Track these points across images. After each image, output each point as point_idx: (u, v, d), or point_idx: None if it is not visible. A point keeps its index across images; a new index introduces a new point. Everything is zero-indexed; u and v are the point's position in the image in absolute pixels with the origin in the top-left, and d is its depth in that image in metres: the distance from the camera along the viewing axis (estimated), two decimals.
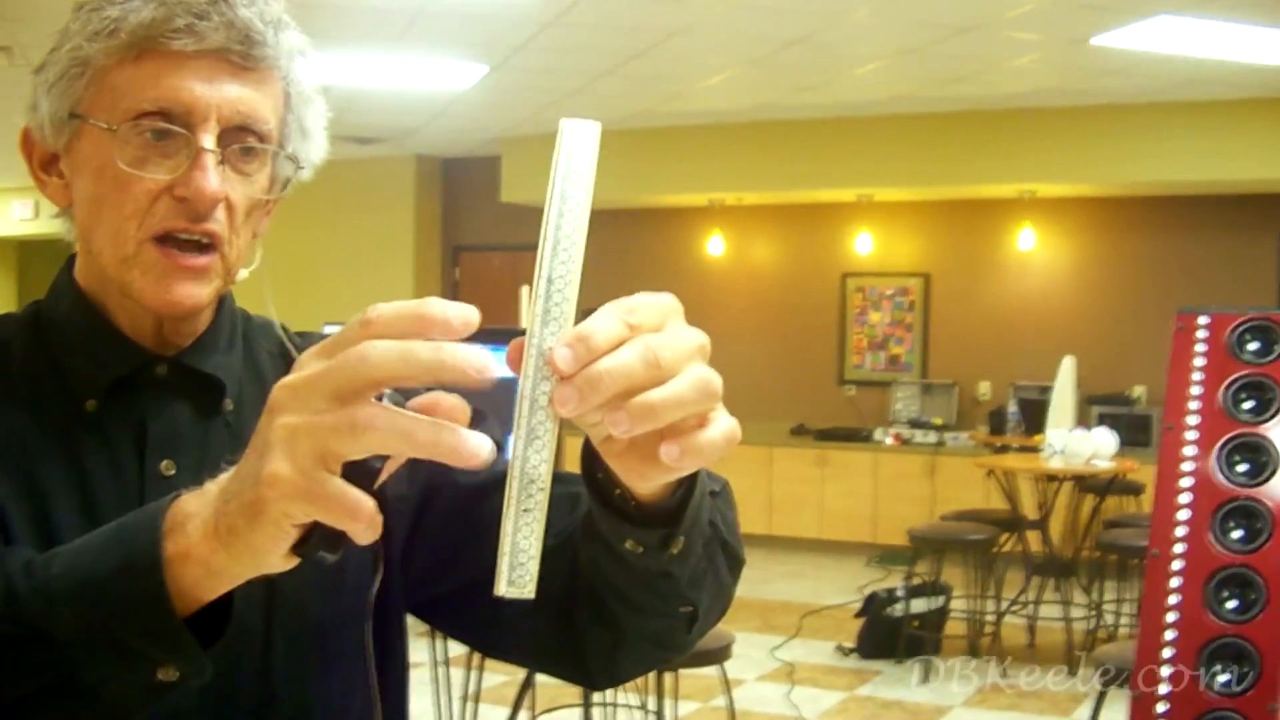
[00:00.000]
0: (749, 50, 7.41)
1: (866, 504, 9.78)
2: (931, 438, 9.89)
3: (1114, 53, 7.07)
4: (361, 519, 0.79)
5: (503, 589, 0.78)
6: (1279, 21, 6.27)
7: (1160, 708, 1.84)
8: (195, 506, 0.85)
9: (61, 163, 1.16)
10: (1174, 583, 1.89)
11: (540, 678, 4.21)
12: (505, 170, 10.64)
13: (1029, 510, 7.59)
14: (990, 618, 7.05)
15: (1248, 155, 8.41)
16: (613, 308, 0.80)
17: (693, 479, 0.94)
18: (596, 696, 4.26)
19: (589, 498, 0.97)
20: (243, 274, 1.19)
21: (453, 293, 11.93)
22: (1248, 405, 1.94)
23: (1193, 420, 1.95)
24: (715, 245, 10.73)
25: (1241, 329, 1.97)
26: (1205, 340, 1.98)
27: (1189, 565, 1.89)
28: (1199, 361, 1.97)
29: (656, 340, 0.79)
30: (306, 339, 1.32)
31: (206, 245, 1.12)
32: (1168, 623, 1.87)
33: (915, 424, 10.10)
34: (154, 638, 0.86)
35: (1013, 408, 9.63)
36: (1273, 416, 1.92)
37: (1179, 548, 1.90)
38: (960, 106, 8.91)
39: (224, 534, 0.83)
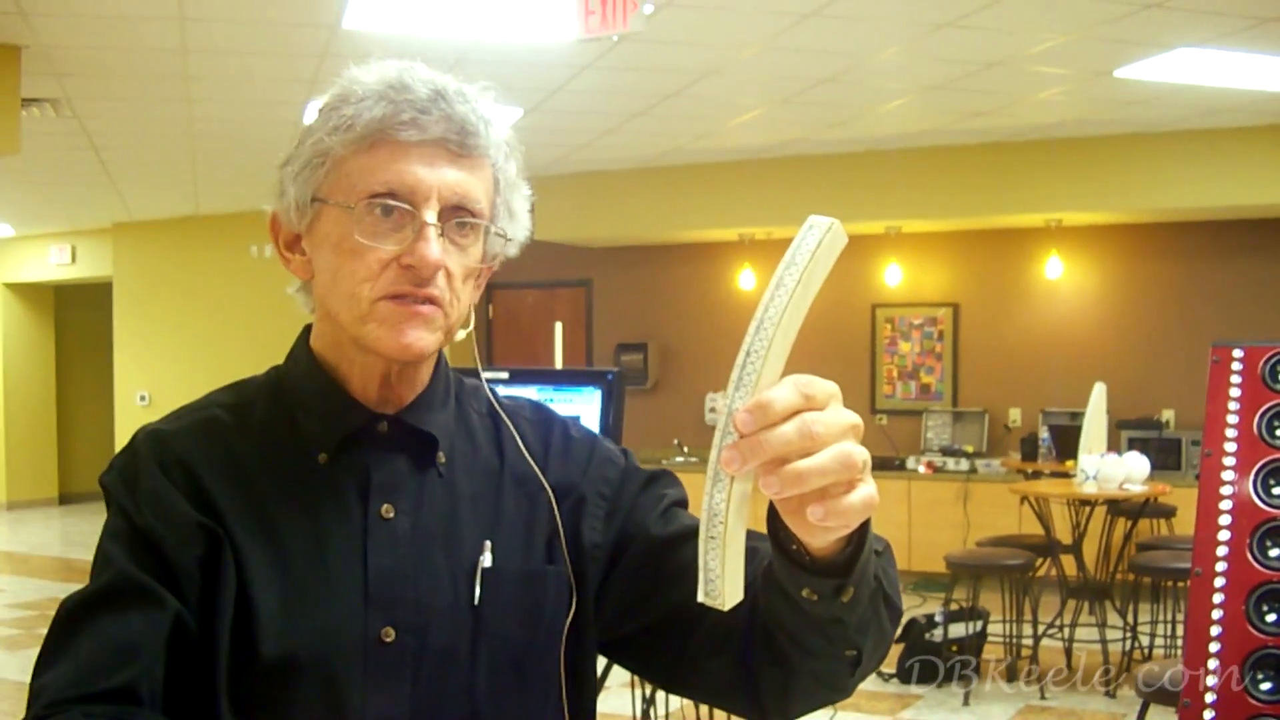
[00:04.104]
0: (779, 89, 7.54)
1: (901, 531, 9.86)
2: (964, 465, 9.99)
3: (1137, 84, 7.19)
4: None
5: (700, 597, 0.95)
6: None
7: (1207, 715, 1.97)
8: None
9: (304, 241, 1.33)
10: (1217, 599, 2.01)
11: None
12: (538, 209, 10.62)
13: (1063, 535, 7.67)
14: (1028, 641, 7.14)
15: (1270, 180, 8.50)
16: (793, 383, 0.96)
17: (862, 537, 1.09)
18: None
19: (772, 549, 1.12)
20: (460, 334, 1.35)
21: (487, 329, 12.08)
22: None
23: (1230, 447, 2.07)
24: (746, 279, 10.83)
25: (1274, 361, 2.10)
26: (1240, 372, 2.10)
27: (1230, 582, 2.02)
28: (1235, 392, 2.10)
29: (814, 417, 0.95)
30: (515, 401, 1.48)
31: (431, 300, 1.28)
32: (1212, 636, 2.00)
33: (947, 452, 10.20)
34: None
35: (1043, 434, 9.71)
36: None
37: (1220, 566, 2.03)
38: (986, 138, 9.03)
39: None
